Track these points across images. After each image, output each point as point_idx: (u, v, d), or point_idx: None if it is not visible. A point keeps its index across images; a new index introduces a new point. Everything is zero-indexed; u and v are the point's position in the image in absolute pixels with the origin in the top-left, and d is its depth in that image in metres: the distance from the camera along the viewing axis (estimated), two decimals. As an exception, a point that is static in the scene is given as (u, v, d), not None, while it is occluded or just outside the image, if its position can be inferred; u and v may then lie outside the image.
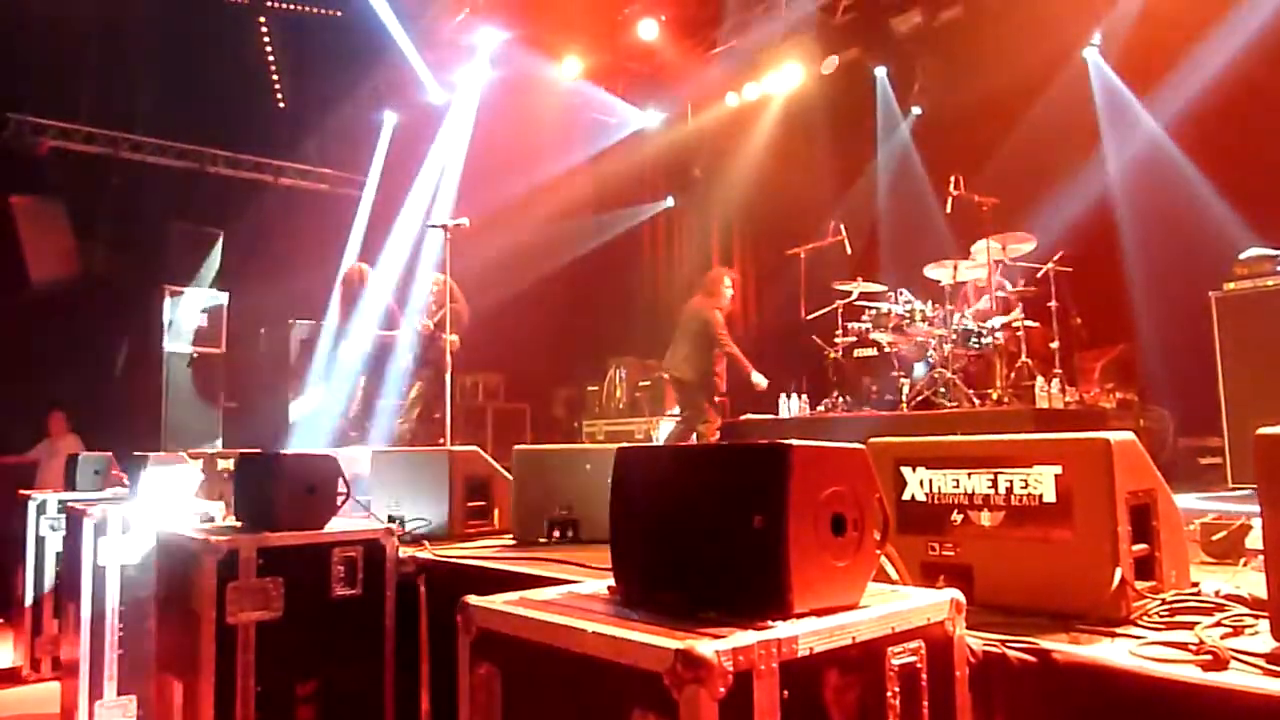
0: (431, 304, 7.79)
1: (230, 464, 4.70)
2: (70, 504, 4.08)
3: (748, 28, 10.15)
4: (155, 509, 3.79)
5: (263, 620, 2.63)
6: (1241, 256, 5.67)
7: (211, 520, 3.31)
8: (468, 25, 10.54)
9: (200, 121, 10.69)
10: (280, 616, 2.66)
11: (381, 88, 11.49)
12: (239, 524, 2.90)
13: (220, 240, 10.35)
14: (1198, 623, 1.68)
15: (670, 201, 12.51)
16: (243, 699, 2.57)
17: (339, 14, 10.57)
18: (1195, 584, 2.01)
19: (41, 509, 4.84)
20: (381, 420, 8.14)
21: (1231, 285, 5.60)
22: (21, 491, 5.33)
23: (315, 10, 10.68)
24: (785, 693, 1.23)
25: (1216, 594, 1.88)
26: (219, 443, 9.25)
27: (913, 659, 1.42)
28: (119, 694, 3.66)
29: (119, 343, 10.18)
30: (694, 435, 7.68)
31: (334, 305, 7.84)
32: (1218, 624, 1.68)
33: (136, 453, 4.20)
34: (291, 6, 10.61)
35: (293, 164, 12.10)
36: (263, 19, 10.75)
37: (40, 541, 4.82)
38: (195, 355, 9.86)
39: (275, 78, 11.10)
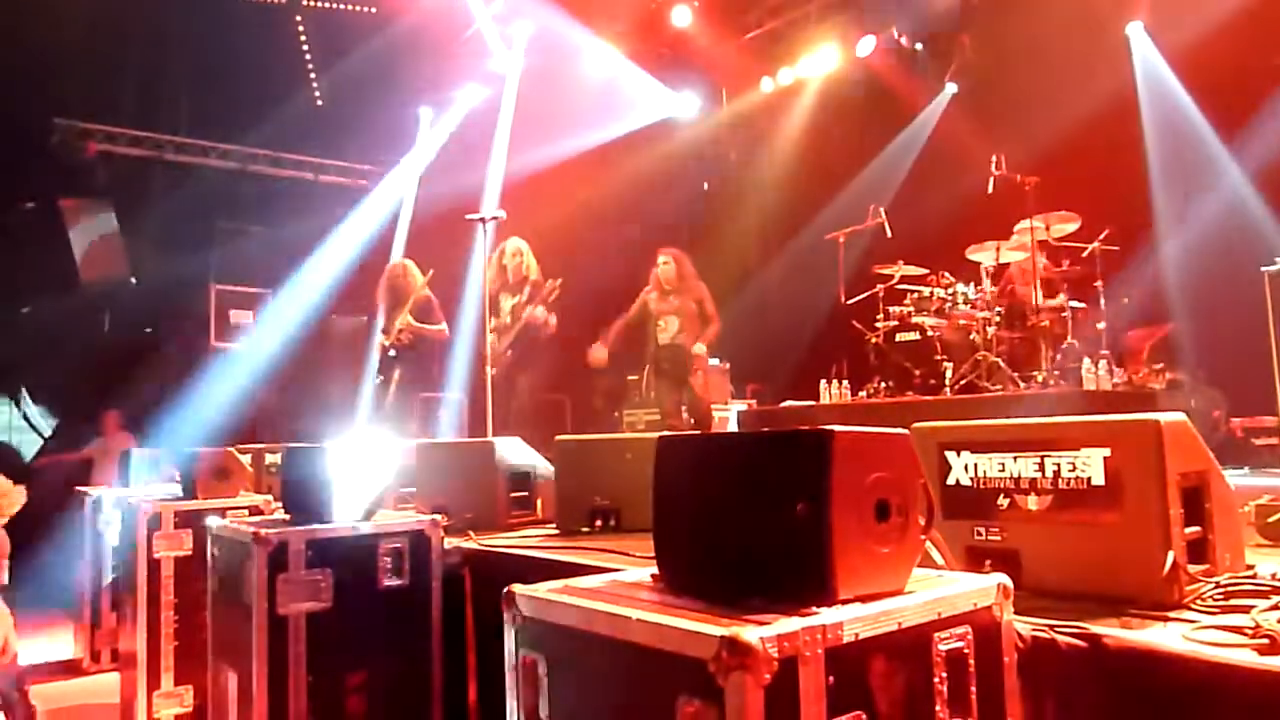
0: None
1: (278, 458, 4.79)
2: (125, 499, 4.17)
3: (781, 11, 10.07)
4: (206, 503, 3.86)
5: (312, 611, 2.67)
6: (1294, 231, 5.52)
7: (260, 513, 3.37)
8: (502, 17, 10.57)
9: (241, 122, 10.85)
10: (329, 607, 2.70)
11: (418, 83, 11.56)
12: (287, 517, 2.95)
13: (263, 237, 10.51)
14: (1253, 606, 1.64)
15: (704, 186, 12.46)
16: (295, 688, 2.62)
17: (374, 10, 10.65)
18: (1250, 567, 1.96)
19: (97, 505, 4.96)
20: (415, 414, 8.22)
21: (1284, 261, 5.46)
22: (78, 488, 5.47)
23: (351, 7, 10.77)
24: (831, 679, 1.22)
25: (1273, 577, 1.84)
26: (265, 437, 9.40)
27: (960, 644, 1.41)
28: (175, 684, 3.74)
29: (169, 341, 10.38)
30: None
31: (379, 301, 7.90)
32: (1274, 607, 1.64)
33: (187, 448, 4.29)
34: (327, 5, 10.71)
35: (333, 161, 12.23)
36: (299, 18, 10.86)
37: (97, 536, 4.94)
38: (241, 351, 10.03)
39: (313, 76, 11.22)
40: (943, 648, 1.38)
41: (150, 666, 3.73)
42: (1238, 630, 1.51)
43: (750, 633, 1.16)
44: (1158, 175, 7.51)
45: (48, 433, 9.66)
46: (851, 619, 1.27)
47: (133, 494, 4.38)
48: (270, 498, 4.09)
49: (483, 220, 6.60)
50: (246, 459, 4.73)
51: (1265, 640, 1.44)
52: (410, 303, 7.57)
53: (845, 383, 7.75)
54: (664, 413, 7.73)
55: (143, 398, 9.40)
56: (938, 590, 1.44)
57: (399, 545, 2.86)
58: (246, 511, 3.64)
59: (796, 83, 10.42)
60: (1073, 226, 6.96)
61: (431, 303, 7.71)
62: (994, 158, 6.82)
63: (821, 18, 9.89)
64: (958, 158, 8.60)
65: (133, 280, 10.19)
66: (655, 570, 1.60)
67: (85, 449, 8.86)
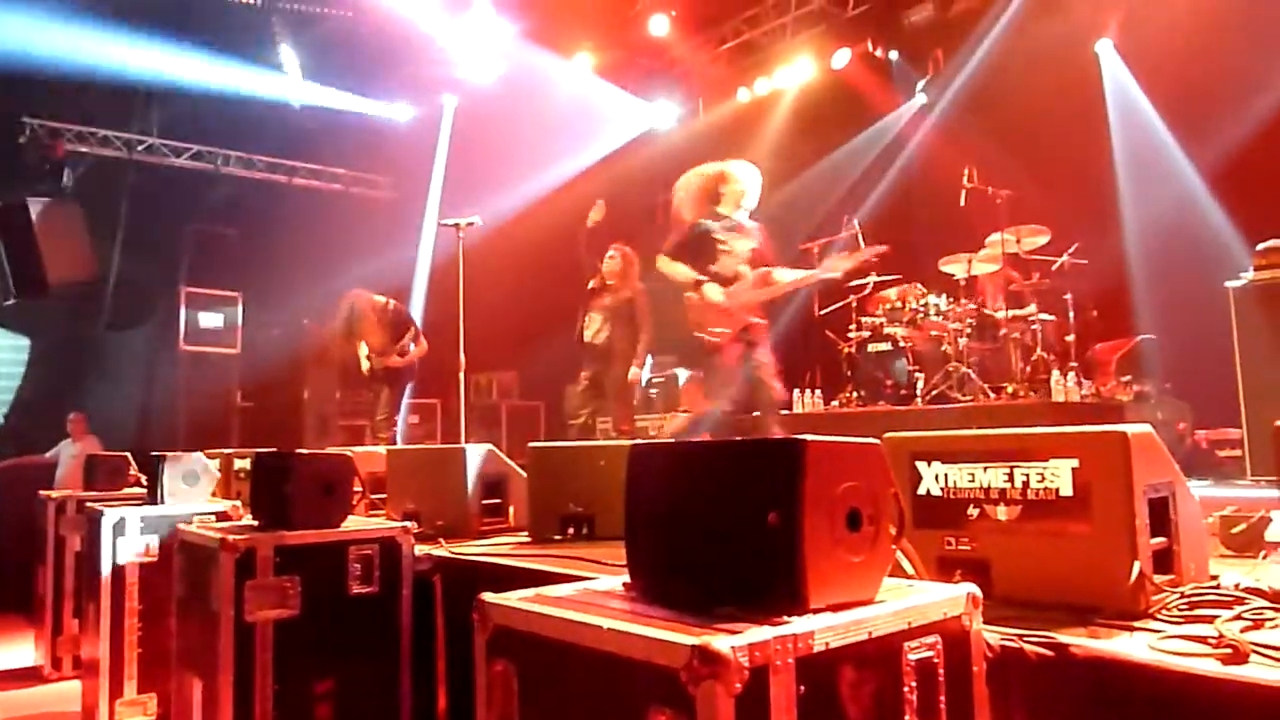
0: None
1: (247, 463, 4.74)
2: (89, 504, 4.11)
3: (759, 22, 10.13)
4: (173, 508, 3.81)
5: (280, 618, 2.65)
6: (1259, 247, 5.61)
7: (228, 519, 3.33)
8: (479, 22, 10.55)
9: (214, 123, 10.76)
10: (298, 614, 2.68)
11: (393, 87, 11.52)
12: (256, 523, 2.92)
13: (235, 240, 10.42)
14: (1217, 616, 1.66)
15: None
16: (261, 696, 2.59)
17: (349, 14, 10.61)
18: (1214, 577, 1.99)
19: (61, 509, 4.88)
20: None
21: (1249, 276, 5.55)
22: (42, 492, 5.38)
23: (326, 10, 10.71)
24: (801, 688, 1.23)
25: (1236, 587, 1.86)
26: (235, 442, 9.32)
27: (929, 654, 1.42)
28: (139, 692, 3.69)
29: (137, 343, 10.26)
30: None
31: (371, 324, 7.89)
32: (1237, 617, 1.66)
33: (154, 452, 4.23)
34: (303, 8, 10.65)
35: (306, 164, 12.16)
36: (274, 20, 10.79)
37: (60, 541, 4.86)
38: (212, 355, 9.92)
39: (287, 79, 11.14)
40: (912, 657, 1.39)
41: (113, 674, 3.67)
42: (1202, 640, 1.53)
43: (721, 642, 1.16)
44: (1126, 190, 7.62)
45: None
46: (822, 628, 1.28)
47: (98, 498, 4.31)
48: (239, 503, 4.04)
49: (458, 225, 6.59)
50: (215, 463, 4.68)
51: (1228, 650, 1.46)
52: (376, 333, 7.63)
53: (818, 392, 7.79)
54: (570, 413, 7.06)
55: (111, 401, 9.28)
56: (908, 600, 1.45)
57: (369, 552, 2.84)
58: (214, 517, 3.60)
59: (773, 93, 10.48)
60: (1043, 240, 7.05)
61: (402, 322, 7.74)
62: (966, 171, 6.90)
63: (797, 30, 9.97)
64: (931, 171, 8.69)
65: (101, 281, 10.06)
66: (627, 579, 1.60)
67: (50, 452, 8.72)
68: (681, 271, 5.25)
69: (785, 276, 5.29)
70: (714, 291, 5.10)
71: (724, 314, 5.10)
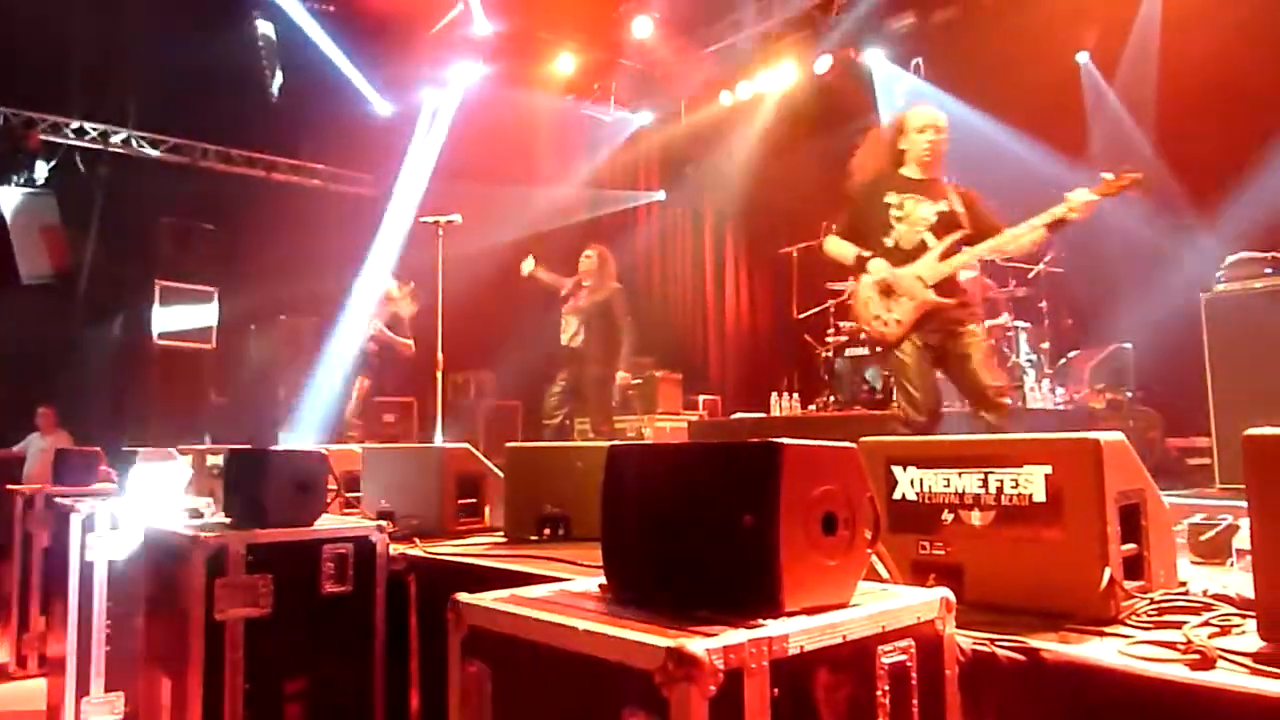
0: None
1: (220, 460, 4.69)
2: (58, 499, 4.05)
3: (742, 26, 10.16)
4: (144, 505, 3.77)
5: (251, 617, 2.62)
6: (1230, 259, 5.70)
7: (200, 516, 3.30)
8: (462, 20, 10.52)
9: (193, 116, 10.65)
10: (269, 613, 2.65)
11: (376, 83, 11.46)
12: (228, 520, 2.89)
13: (212, 235, 10.32)
14: (1186, 622, 1.68)
15: (662, 196, 12.51)
16: (231, 696, 2.56)
17: (332, 8, 10.55)
18: (1183, 584, 2.01)
19: (29, 504, 4.81)
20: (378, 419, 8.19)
21: (1220, 287, 5.63)
22: (9, 487, 5.30)
23: (309, 4, 10.64)
24: (775, 691, 1.23)
25: (1204, 594, 1.88)
26: (208, 438, 9.22)
27: (903, 658, 1.42)
28: (106, 691, 3.64)
29: (109, 337, 10.14)
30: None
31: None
32: (1205, 624, 1.68)
33: (125, 448, 4.19)
34: (283, 2, 10.57)
35: (286, 159, 12.06)
36: (256, 12, 10.70)
37: (28, 537, 4.79)
38: (186, 350, 9.82)
39: (268, 72, 11.05)
40: (886, 661, 1.40)
41: (80, 672, 3.62)
42: (1170, 646, 1.55)
43: (696, 644, 1.16)
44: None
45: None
46: (797, 631, 1.28)
47: (67, 494, 4.26)
48: (211, 500, 4.00)
49: (438, 224, 6.57)
50: (188, 459, 4.63)
51: (1196, 656, 1.48)
52: (385, 315, 7.68)
53: (796, 395, 7.83)
54: (544, 414, 6.98)
55: (82, 395, 9.17)
56: (882, 604, 1.45)
57: (343, 551, 2.82)
58: (187, 514, 3.56)
59: (755, 97, 10.52)
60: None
61: (401, 319, 7.74)
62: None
63: (780, 35, 10.01)
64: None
65: (74, 274, 9.93)
66: (603, 580, 1.60)
67: (18, 446, 8.61)
68: (844, 251, 4.40)
69: (981, 246, 4.25)
70: (878, 267, 4.24)
71: (893, 296, 4.22)
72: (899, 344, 4.21)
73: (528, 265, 7.13)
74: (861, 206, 4.41)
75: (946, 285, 4.18)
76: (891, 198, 4.29)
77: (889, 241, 4.25)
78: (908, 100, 9.40)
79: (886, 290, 4.23)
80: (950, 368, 4.22)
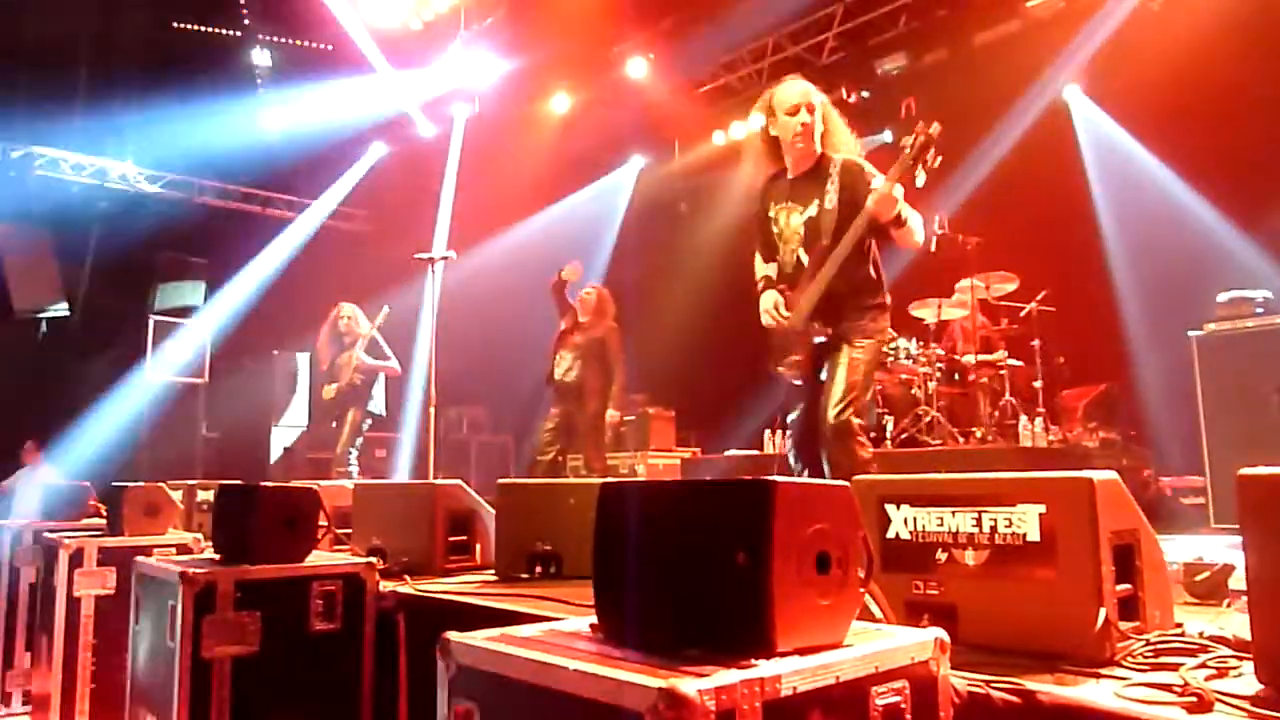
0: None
1: (210, 495, 4.66)
2: (45, 535, 4.01)
3: (735, 68, 10.29)
4: (133, 540, 3.74)
5: (239, 655, 2.59)
6: (1221, 298, 5.73)
7: (189, 552, 3.27)
8: (458, 59, 10.63)
9: (189, 151, 10.71)
10: (257, 651, 2.62)
11: (371, 121, 11.55)
12: (217, 556, 2.86)
13: (206, 270, 10.34)
14: (1182, 664, 1.67)
15: (656, 233, 12.59)
16: (217, 736, 2.52)
17: (330, 47, 10.66)
18: (1179, 625, 2.00)
19: (16, 539, 4.76)
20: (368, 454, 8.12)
21: (1212, 326, 5.66)
22: (-3, 521, 5.25)
23: (306, 43, 10.76)
24: (768, 733, 1.21)
25: (1200, 635, 1.87)
26: (200, 473, 9.17)
27: (897, 699, 1.41)
28: (90, 729, 3.58)
29: (103, 371, 10.11)
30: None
31: (322, 346, 7.83)
32: (1202, 665, 1.67)
33: (116, 483, 4.15)
34: (283, 39, 10.69)
35: (281, 195, 12.12)
36: (255, 51, 10.82)
37: (15, 572, 4.74)
38: (178, 385, 9.79)
39: (266, 109, 11.14)
40: (880, 702, 1.38)
41: (64, 709, 3.57)
42: (1167, 688, 1.54)
43: (688, 685, 1.15)
44: (1097, 238, 7.75)
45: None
46: (790, 672, 1.27)
47: (54, 528, 4.22)
48: (200, 536, 3.97)
49: (431, 260, 6.59)
50: (178, 495, 4.60)
51: (1193, 699, 1.47)
52: (362, 343, 7.58)
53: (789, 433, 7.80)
54: (537, 449, 6.92)
55: (72, 428, 9.12)
56: (876, 644, 1.44)
57: (332, 588, 2.79)
58: (175, 550, 3.53)
59: (749, 137, 10.62)
60: (1011, 286, 7.16)
61: (378, 341, 7.70)
62: (937, 217, 7.01)
63: (773, 75, 10.12)
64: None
65: (68, 307, 9.93)
66: (594, 620, 1.58)
67: (6, 481, 8.54)
68: (757, 273, 3.92)
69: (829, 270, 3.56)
70: (765, 303, 3.80)
71: (784, 334, 3.73)
72: (807, 380, 3.74)
73: (574, 270, 7.03)
74: (757, 226, 3.96)
75: (824, 307, 3.64)
76: (772, 210, 3.85)
77: (781, 265, 3.83)
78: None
79: (782, 331, 3.77)
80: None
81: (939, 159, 3.47)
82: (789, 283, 3.77)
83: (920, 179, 3.49)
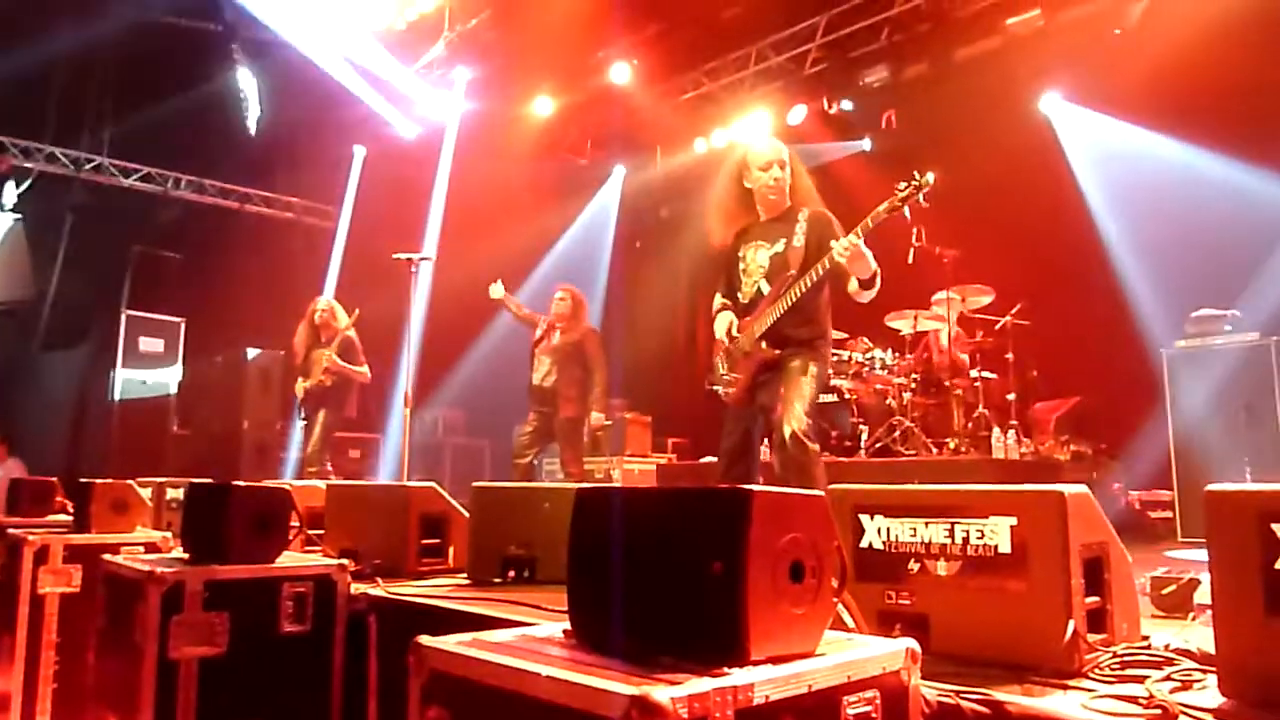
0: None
1: (180, 493, 4.61)
2: (10, 530, 3.95)
3: (718, 75, 10.32)
4: (100, 538, 3.69)
5: (206, 656, 2.56)
6: (1193, 315, 5.82)
7: (158, 551, 3.23)
8: (441, 61, 10.60)
9: (166, 145, 10.61)
10: (224, 653, 2.59)
11: (352, 119, 11.49)
12: (186, 556, 2.83)
13: (180, 265, 10.24)
14: (1148, 676, 1.69)
15: (636, 239, 12.61)
16: (182, 737, 2.49)
17: (311, 43, 10.58)
18: (1145, 637, 2.03)
19: (-20, 535, 4.69)
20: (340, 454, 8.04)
21: (1182, 342, 5.74)
22: (-40, 517, 5.16)
23: (287, 39, 10.67)
24: (740, 741, 1.22)
25: (1166, 648, 1.89)
26: (169, 471, 9.06)
27: (868, 708, 1.42)
28: (52, 730, 3.53)
29: (72, 365, 9.98)
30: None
31: (299, 341, 7.71)
32: (1167, 678, 1.69)
33: (83, 479, 4.10)
34: (265, 36, 10.60)
35: (259, 191, 12.02)
36: (235, 46, 10.73)
37: (-23, 569, 4.66)
38: (147, 381, 9.68)
39: (245, 105, 11.06)
40: (851, 711, 1.39)
41: (25, 709, 3.51)
42: (1133, 700, 1.56)
43: (660, 692, 1.15)
44: (1071, 253, 7.82)
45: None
46: (763, 680, 1.27)
47: (19, 524, 4.16)
48: (169, 534, 3.92)
49: (411, 260, 6.56)
50: (147, 492, 4.55)
51: (1158, 711, 1.49)
52: (335, 343, 7.43)
53: (766, 441, 7.82)
54: (514, 453, 6.95)
55: (42, 423, 8.99)
56: (848, 653, 1.45)
57: (303, 590, 2.76)
58: (143, 548, 3.49)
59: (730, 145, 10.65)
60: (987, 299, 7.22)
61: (355, 344, 7.58)
62: (914, 230, 7.05)
63: (755, 84, 10.17)
64: (880, 228, 8.84)
65: (39, 300, 9.79)
66: (568, 625, 1.58)
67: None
68: (714, 305, 4.31)
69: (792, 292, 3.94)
70: (719, 326, 4.20)
71: (733, 356, 4.13)
72: (738, 403, 4.12)
73: (497, 290, 7.12)
74: (723, 264, 4.33)
75: (774, 333, 4.00)
76: (742, 250, 4.22)
77: (740, 297, 4.18)
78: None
79: (727, 351, 4.17)
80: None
81: (928, 203, 3.93)
82: (746, 312, 4.14)
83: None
